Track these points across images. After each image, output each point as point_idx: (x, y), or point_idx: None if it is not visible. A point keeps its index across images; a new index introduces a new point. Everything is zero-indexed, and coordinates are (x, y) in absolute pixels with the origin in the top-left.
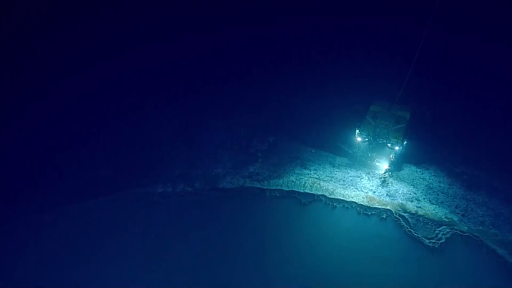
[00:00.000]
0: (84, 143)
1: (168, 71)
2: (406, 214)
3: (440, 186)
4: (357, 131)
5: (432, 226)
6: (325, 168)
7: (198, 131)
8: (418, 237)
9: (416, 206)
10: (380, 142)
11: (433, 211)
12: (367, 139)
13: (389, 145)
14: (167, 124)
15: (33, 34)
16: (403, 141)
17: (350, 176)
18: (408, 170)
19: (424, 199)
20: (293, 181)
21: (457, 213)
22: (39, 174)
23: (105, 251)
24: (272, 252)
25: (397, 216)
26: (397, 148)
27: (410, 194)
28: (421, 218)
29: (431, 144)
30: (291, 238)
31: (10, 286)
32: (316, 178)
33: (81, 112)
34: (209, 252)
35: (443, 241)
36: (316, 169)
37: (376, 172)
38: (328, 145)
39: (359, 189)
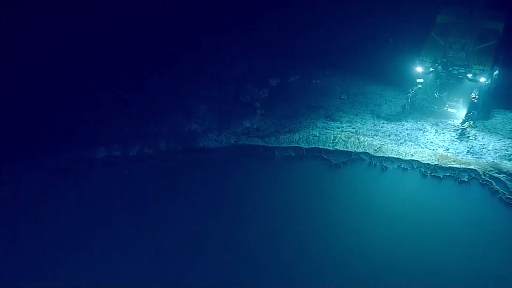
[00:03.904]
0: None
1: None
2: (501, 176)
3: None
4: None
5: None
6: (365, 119)
7: (150, 70)
8: None
9: None
10: (455, 72)
11: None
12: (432, 69)
13: (469, 75)
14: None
15: None
16: (493, 69)
17: (407, 129)
18: (502, 118)
19: None
20: (315, 136)
21: None
22: None
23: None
24: (290, 242)
25: (487, 178)
26: (483, 80)
27: (507, 151)
28: None
29: None
30: (319, 218)
31: None
32: (352, 132)
33: None
34: (188, 244)
35: None
36: (351, 121)
37: (449, 122)
38: (370, 84)
39: (423, 146)
